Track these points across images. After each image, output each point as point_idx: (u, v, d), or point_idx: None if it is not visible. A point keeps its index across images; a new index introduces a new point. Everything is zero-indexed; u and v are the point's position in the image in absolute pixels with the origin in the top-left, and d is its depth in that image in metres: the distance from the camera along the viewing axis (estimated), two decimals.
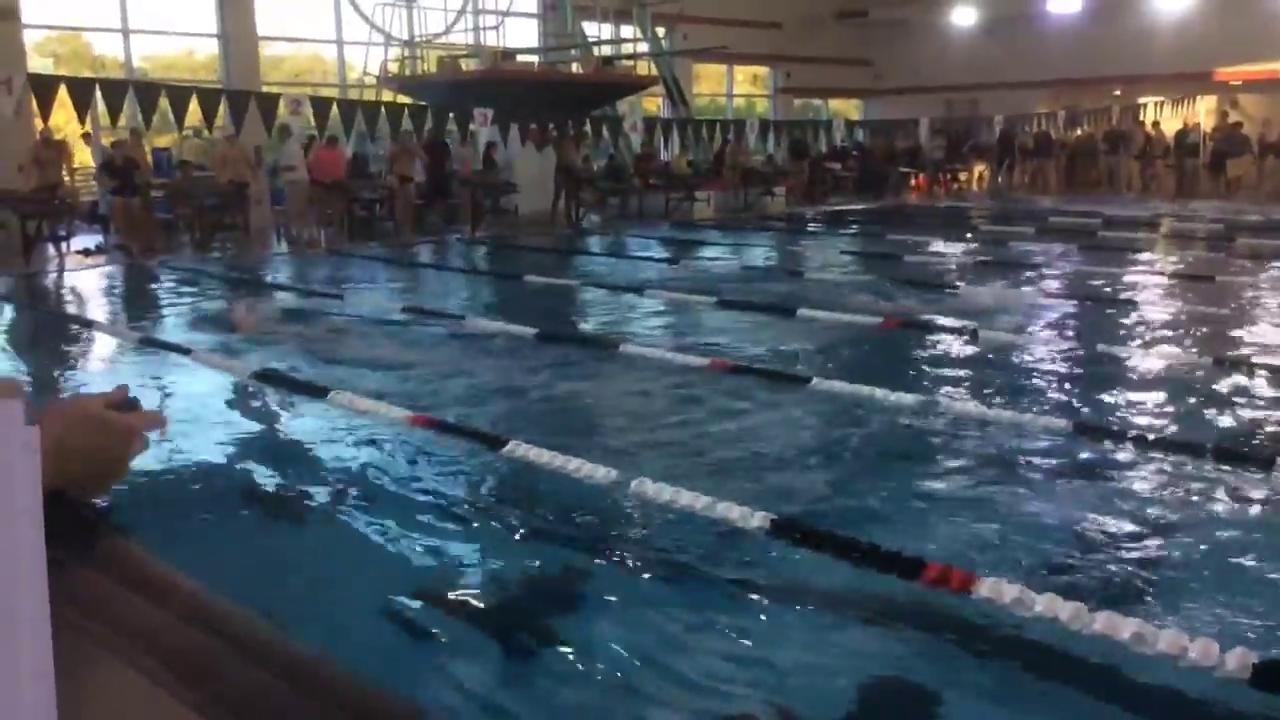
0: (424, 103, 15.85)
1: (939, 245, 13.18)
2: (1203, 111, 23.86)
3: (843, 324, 7.68)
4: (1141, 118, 23.50)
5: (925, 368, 6.55)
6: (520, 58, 18.94)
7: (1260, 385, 5.81)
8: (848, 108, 29.06)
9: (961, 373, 6.44)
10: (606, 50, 20.32)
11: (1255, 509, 4.04)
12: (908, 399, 5.33)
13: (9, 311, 8.96)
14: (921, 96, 25.94)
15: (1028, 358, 6.70)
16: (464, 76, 17.29)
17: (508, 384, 6.37)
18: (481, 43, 19.23)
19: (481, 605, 3.32)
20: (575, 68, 19.34)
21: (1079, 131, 23.89)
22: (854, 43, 27.02)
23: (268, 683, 0.94)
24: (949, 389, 5.93)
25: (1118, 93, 24.51)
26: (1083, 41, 23.97)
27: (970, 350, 6.92)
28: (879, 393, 5.43)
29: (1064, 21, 24.55)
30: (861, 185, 21.78)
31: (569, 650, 3.02)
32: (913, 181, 22.84)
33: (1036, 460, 4.64)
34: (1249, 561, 3.56)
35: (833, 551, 3.51)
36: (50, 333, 8.05)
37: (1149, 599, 3.30)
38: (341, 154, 14.86)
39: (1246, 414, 5.37)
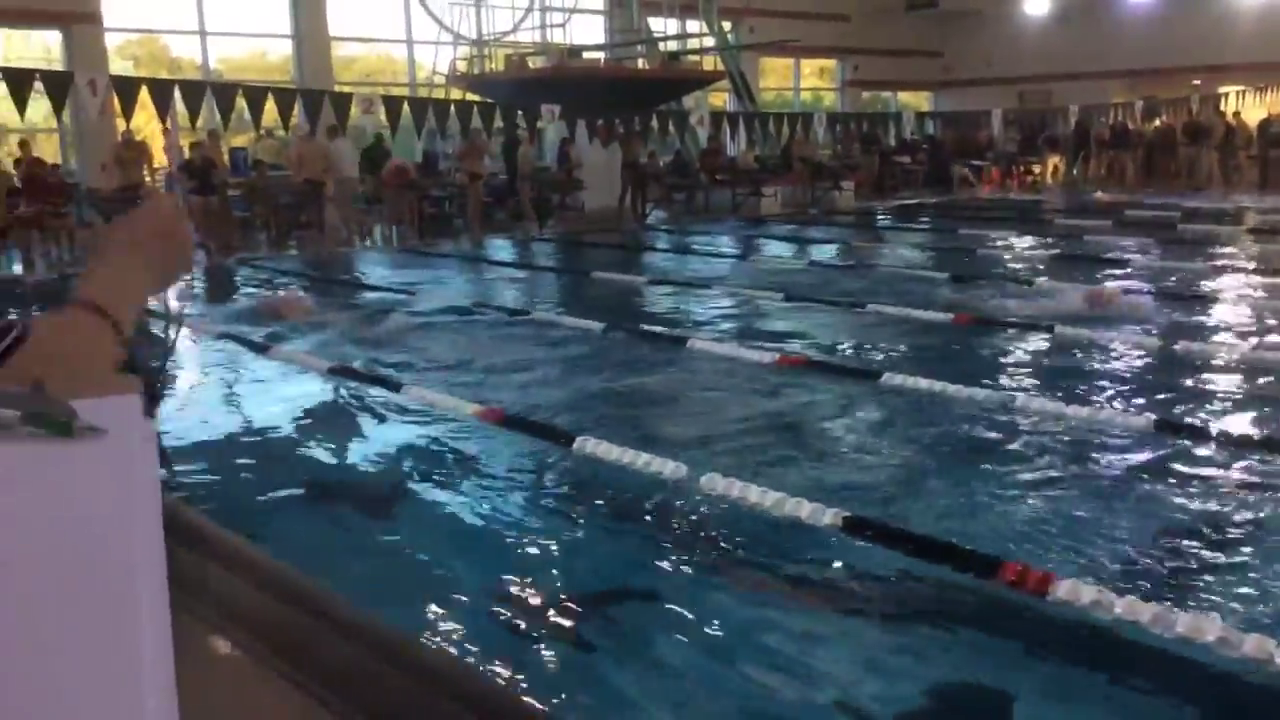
0: (491, 100, 15.98)
1: (1012, 240, 12.95)
2: None
3: (913, 320, 7.59)
4: (1222, 108, 22.81)
5: (999, 364, 6.45)
6: (586, 54, 19.00)
7: None
8: (917, 100, 28.67)
9: (1037, 369, 6.33)
10: (672, 46, 20.30)
11: None
12: (980, 395, 5.26)
13: None
14: (993, 88, 25.49)
15: (1105, 354, 6.55)
16: (531, 74, 17.40)
17: (575, 379, 6.40)
18: (548, 40, 19.34)
19: (547, 598, 3.34)
20: (641, 64, 19.35)
21: (1157, 123, 23.25)
22: (924, 34, 26.64)
23: (360, 658, 0.97)
24: (1023, 385, 5.83)
25: (1197, 82, 23.81)
26: (1161, 30, 23.35)
27: (1046, 346, 6.79)
28: (951, 388, 5.36)
29: (1141, 9, 23.94)
30: (931, 179, 21.47)
31: (636, 645, 3.03)
32: (984, 175, 22.46)
33: (1116, 458, 4.54)
34: None
35: (907, 549, 3.47)
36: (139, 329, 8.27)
37: (1232, 602, 3.21)
38: (410, 166, 15.05)
39: None
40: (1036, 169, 22.89)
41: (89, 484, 0.74)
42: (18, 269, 11.41)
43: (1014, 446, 4.74)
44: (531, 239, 14.51)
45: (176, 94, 12.43)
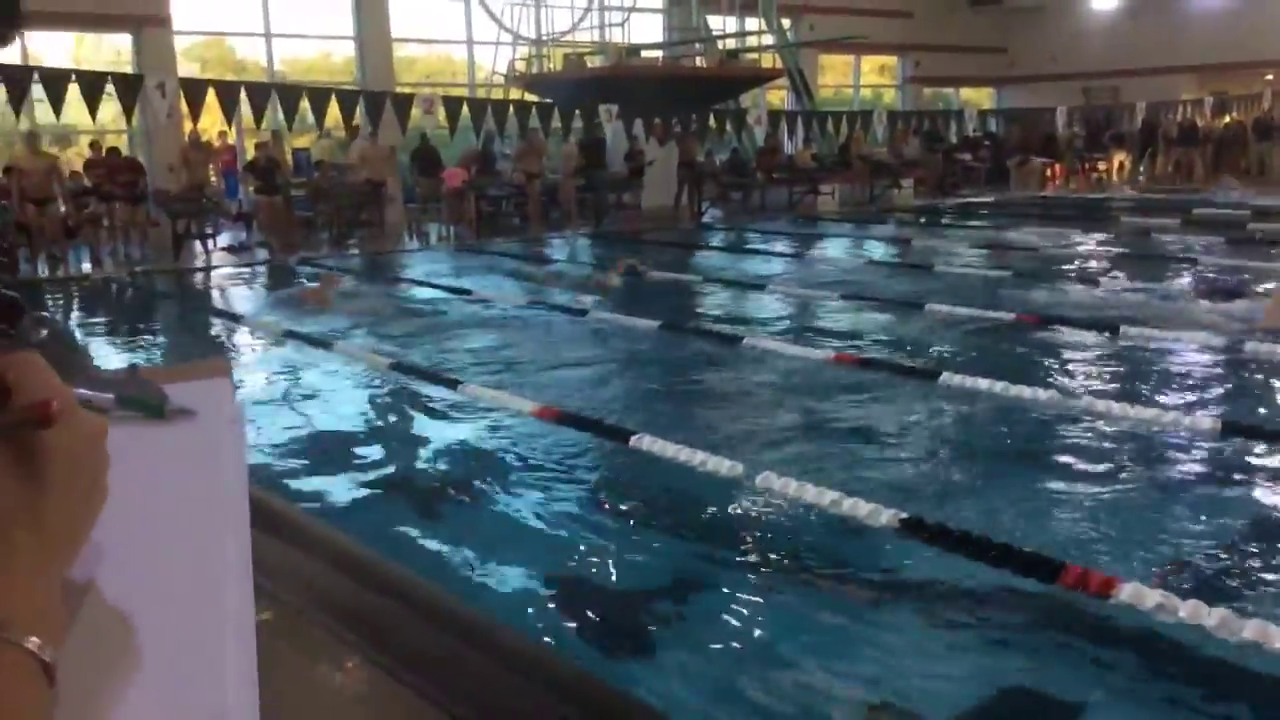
0: (549, 100, 16.07)
1: (1076, 238, 12.72)
2: None
3: (974, 319, 7.49)
4: None
5: (1062, 364, 6.34)
6: (645, 53, 19.01)
7: None
8: (979, 97, 28.26)
9: (1100, 370, 6.21)
10: (731, 43, 20.23)
11: None
12: (1043, 395, 5.18)
13: (159, 306, 9.45)
14: (1058, 84, 25.04)
15: (1171, 355, 6.41)
16: (589, 73, 17.46)
17: (632, 376, 6.42)
18: (607, 39, 19.38)
19: (601, 594, 3.36)
20: (699, 62, 19.31)
21: (1227, 119, 22.69)
22: (987, 29, 26.23)
23: (444, 641, 0.99)
24: (1086, 386, 5.73)
25: (1269, 77, 23.19)
26: (1232, 24, 22.77)
27: (1110, 347, 6.66)
28: (1013, 388, 5.28)
29: (1211, 3, 23.36)
30: (994, 176, 21.16)
31: (692, 643, 3.03)
32: (1048, 172, 22.07)
33: (1181, 461, 4.46)
34: None
35: (966, 552, 3.43)
36: (197, 326, 8.47)
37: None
38: (467, 171, 15.15)
39: None
40: (1102, 166, 22.45)
41: (179, 465, 0.77)
42: (86, 267, 11.71)
43: (1076, 448, 4.66)
44: (588, 237, 14.56)
45: (243, 95, 12.67)
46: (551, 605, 3.29)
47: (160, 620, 0.64)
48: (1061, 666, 2.90)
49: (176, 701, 0.60)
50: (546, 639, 3.02)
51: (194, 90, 12.40)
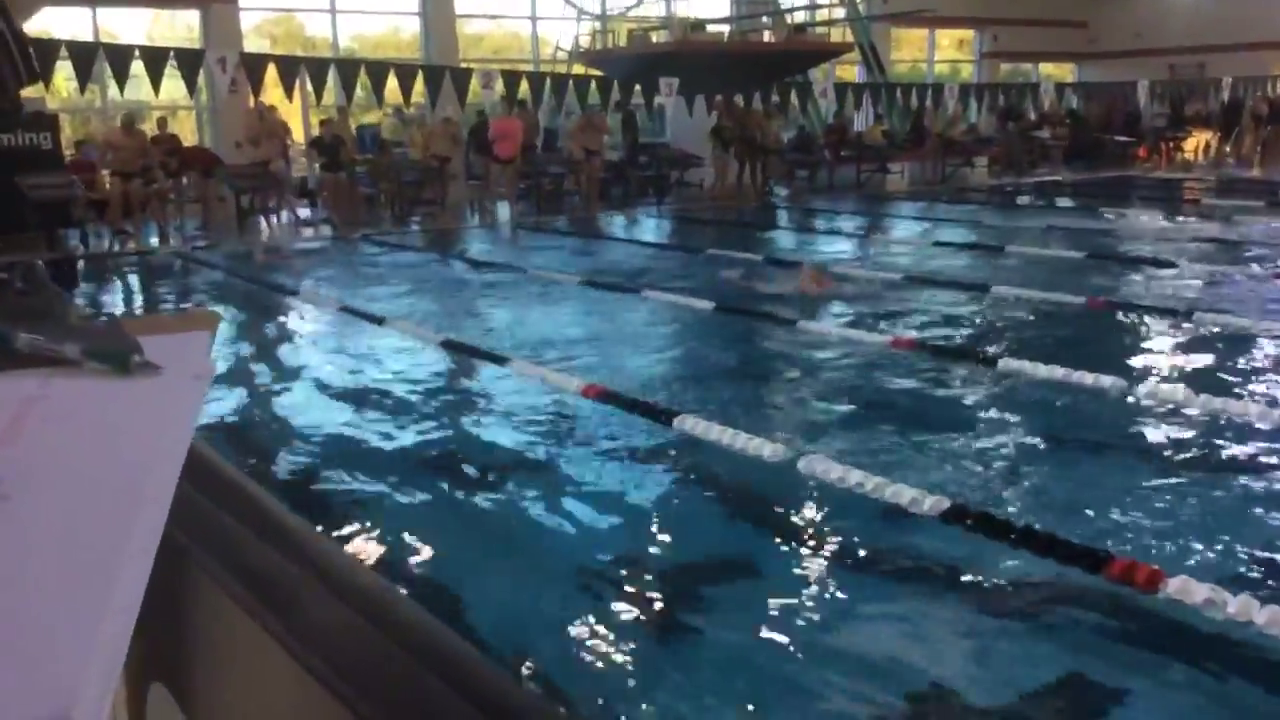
0: (612, 76, 15.97)
1: (1155, 219, 12.30)
2: None
3: (1042, 302, 7.25)
4: None
5: (1131, 351, 6.12)
6: (711, 28, 18.79)
7: None
8: (1061, 72, 27.48)
9: (1171, 357, 5.98)
10: (800, 17, 19.90)
11: None
12: (1106, 382, 4.98)
13: (223, 279, 9.59)
14: (1142, 60, 24.22)
15: (1247, 343, 6.13)
16: (653, 49, 17.31)
17: (683, 356, 6.34)
18: (672, 14, 19.21)
19: (644, 577, 3.31)
20: (767, 36, 19.03)
21: None
22: (1069, 3, 25.45)
23: (349, 617, 0.95)
24: (1154, 374, 5.52)
25: None
26: None
27: (1183, 334, 6.40)
28: (1075, 375, 5.10)
29: None
30: (1073, 154, 20.52)
31: (732, 627, 2.98)
32: (1134, 151, 21.37)
33: (1249, 455, 4.24)
34: None
35: (1011, 541, 3.32)
36: (259, 300, 8.57)
37: None
38: (518, 126, 14.62)
39: None
40: (1187, 145, 21.68)
41: (122, 424, 0.76)
42: (154, 241, 11.95)
43: (1139, 436, 4.49)
44: (648, 215, 14.46)
45: (304, 70, 12.78)
46: (583, 586, 3.24)
47: (58, 559, 0.63)
48: (1103, 659, 2.79)
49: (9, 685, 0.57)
50: (570, 622, 2.98)
51: (255, 65, 12.53)
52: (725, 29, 19.31)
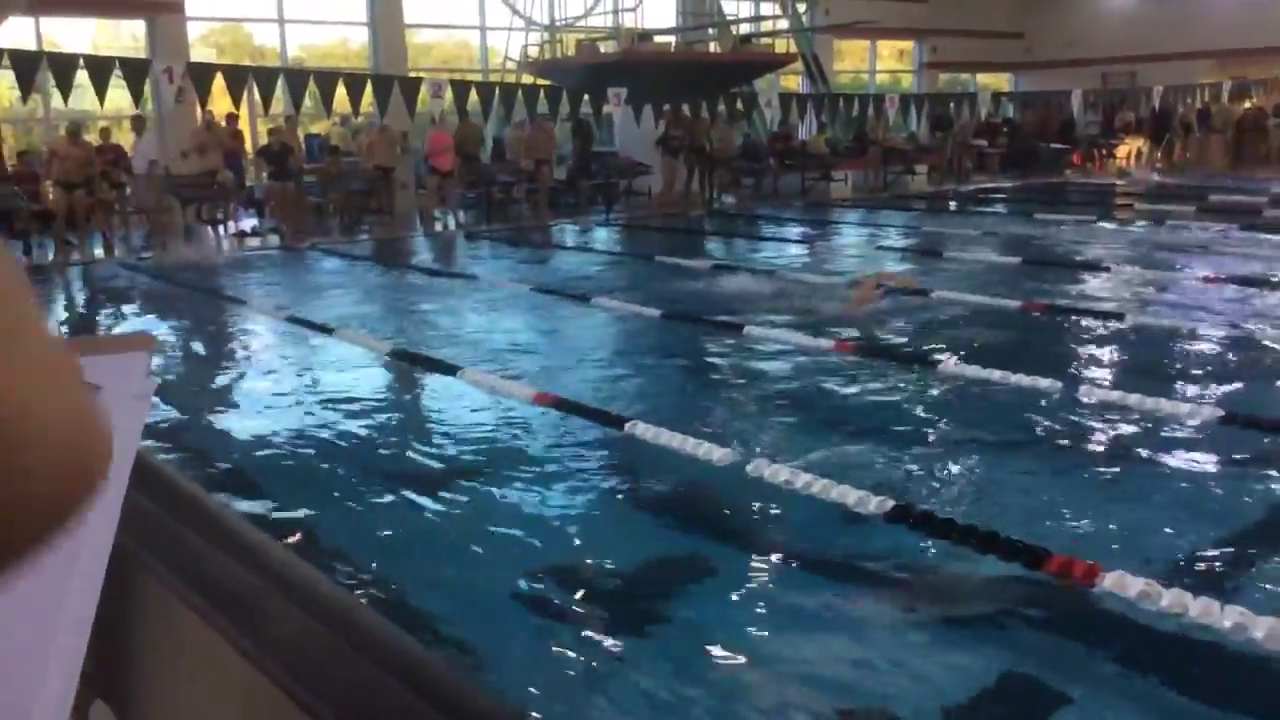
0: (561, 86, 16.03)
1: (1089, 225, 12.62)
2: None
3: (979, 306, 7.45)
4: None
5: (1066, 353, 6.30)
6: (658, 38, 18.93)
7: None
8: (997, 82, 28.02)
9: (1105, 358, 6.18)
10: (745, 28, 20.12)
11: None
12: (1043, 384, 5.15)
13: (169, 290, 9.49)
14: (1076, 69, 24.81)
15: (1178, 344, 6.35)
16: (601, 59, 17.40)
17: (632, 364, 6.42)
18: (620, 25, 19.30)
19: (596, 583, 3.36)
20: (713, 47, 19.22)
21: (1247, 104, 22.43)
22: (1005, 14, 26.00)
23: (310, 625, 0.97)
24: (1089, 375, 5.70)
25: None
26: (1250, 8, 22.48)
27: (1116, 335, 6.61)
28: (1013, 377, 5.26)
29: None
30: (1010, 162, 20.97)
31: (682, 630, 3.04)
32: (1068, 158, 21.87)
33: (1181, 451, 4.42)
34: None
35: (953, 539, 3.43)
36: (206, 311, 8.51)
37: None
38: (450, 139, 14.57)
39: None
40: (1120, 152, 22.24)
41: None
42: (99, 253, 11.78)
43: (1074, 436, 4.64)
44: (597, 225, 14.53)
45: (251, 80, 12.69)
46: (534, 594, 3.29)
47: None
48: (1044, 652, 2.90)
49: None
50: (519, 631, 3.03)
51: (201, 75, 12.43)
52: (672, 40, 19.46)
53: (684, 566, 3.50)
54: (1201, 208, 13.54)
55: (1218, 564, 3.36)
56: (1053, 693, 2.71)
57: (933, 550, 3.42)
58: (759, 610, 3.15)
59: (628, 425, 4.63)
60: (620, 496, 4.20)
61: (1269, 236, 10.99)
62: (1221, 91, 22.19)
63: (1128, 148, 22.01)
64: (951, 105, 21.37)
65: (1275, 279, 8.43)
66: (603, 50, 17.91)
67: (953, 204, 16.26)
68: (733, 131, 17.57)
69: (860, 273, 8.66)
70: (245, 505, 4.03)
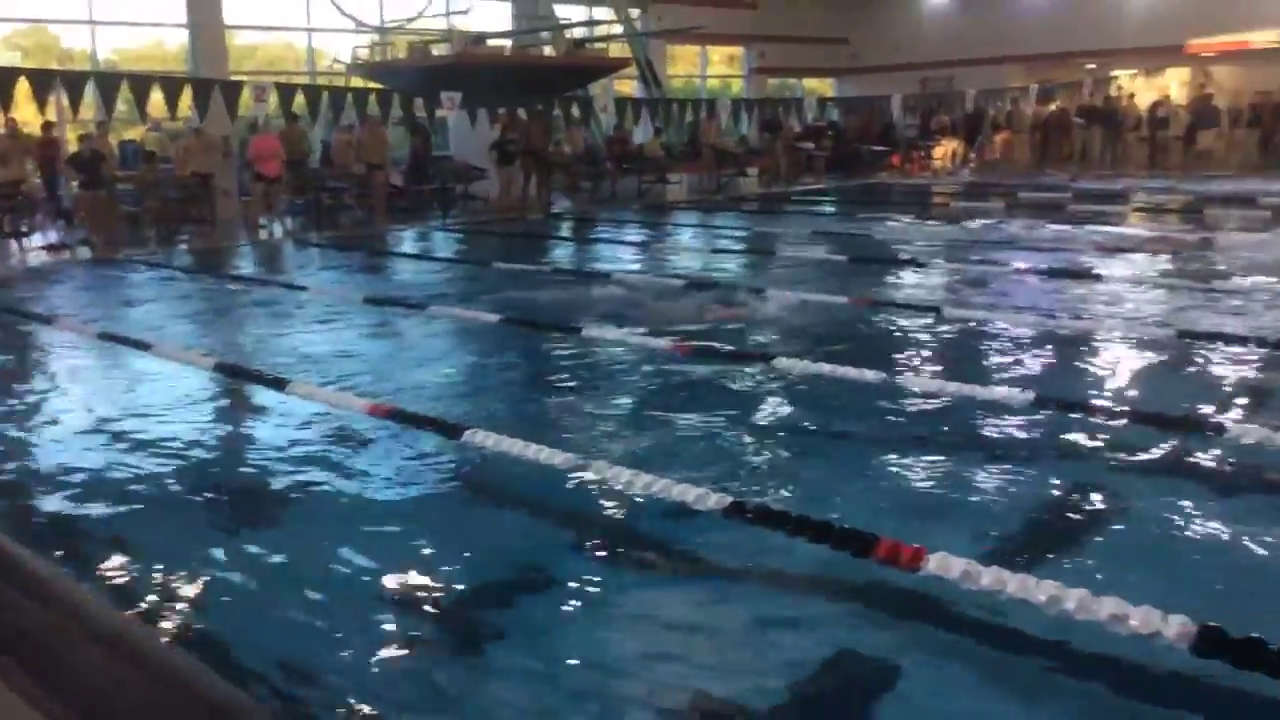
0: (393, 89, 15.71)
1: (909, 223, 13.19)
2: (1174, 84, 23.91)
3: (810, 303, 7.67)
4: (1115, 91, 23.56)
5: (891, 345, 6.54)
6: (491, 42, 18.79)
7: (1220, 357, 5.83)
8: (822, 86, 28.99)
9: (926, 349, 6.44)
10: (578, 32, 20.19)
11: (1208, 478, 4.05)
12: (870, 375, 5.32)
13: None
14: (897, 74, 25.91)
15: (993, 333, 6.70)
16: (433, 62, 17.15)
17: (471, 371, 6.35)
18: (453, 27, 19.06)
19: (437, 595, 3.30)
20: (547, 51, 19.21)
21: (1052, 106, 23.89)
22: (831, 21, 26.93)
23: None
24: (913, 365, 5.94)
25: (1091, 66, 24.51)
26: (1055, 16, 23.99)
27: (936, 327, 6.91)
28: (841, 370, 5.42)
29: None
30: (834, 164, 21.75)
31: (528, 638, 3.00)
32: (889, 160, 22.82)
33: (999, 434, 4.65)
34: (1198, 530, 3.57)
35: (788, 530, 3.50)
36: (8, 330, 7.95)
37: (1101, 569, 3.31)
38: (278, 144, 14.04)
39: (1206, 385, 5.38)
40: (936, 153, 23.34)
41: None
42: None
43: (901, 425, 4.82)
44: (433, 230, 14.32)
45: (59, 85, 11.97)
46: (378, 608, 3.20)
47: None
48: (878, 634, 3.00)
49: None
50: (364, 646, 2.95)
51: (4, 79, 11.64)
52: (506, 43, 19.34)
53: (526, 573, 3.47)
54: (1011, 204, 14.34)
55: (1033, 541, 3.54)
56: (887, 667, 2.81)
57: (770, 542, 3.48)
58: (603, 612, 3.15)
59: (466, 433, 4.55)
60: (460, 506, 4.13)
61: (1072, 229, 11.73)
62: (1029, 94, 23.56)
63: (944, 149, 23.10)
64: (780, 109, 22.02)
65: (1079, 269, 8.99)
66: (435, 53, 17.66)
67: (783, 205, 16.72)
68: (578, 135, 17.64)
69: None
70: (46, 539, 3.78)
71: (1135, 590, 2.75)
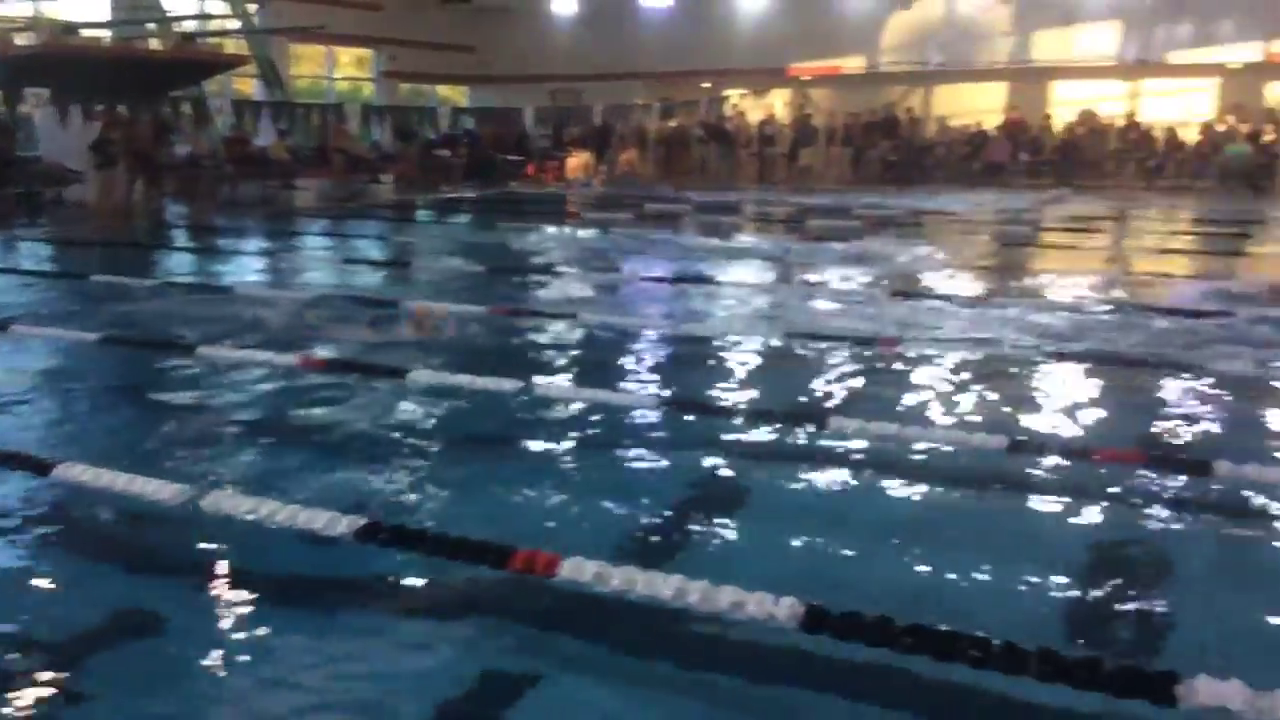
0: None
1: (546, 232, 13.46)
2: (779, 104, 26.21)
3: (450, 313, 7.57)
4: (731, 111, 25.47)
5: (528, 353, 6.60)
6: (86, 32, 17.05)
7: (820, 353, 6.39)
8: (456, 94, 29.00)
9: (562, 357, 6.56)
10: (189, 25, 18.83)
11: (815, 467, 4.40)
12: (506, 385, 5.32)
13: None
14: (528, 85, 26.42)
15: (624, 340, 6.94)
16: (16, 52, 15.29)
17: (64, 398, 5.67)
18: (39, 14, 17.13)
19: (28, 654, 2.88)
20: (153, 44, 17.73)
21: (674, 122, 25.40)
22: (459, 28, 26.95)
23: None
24: (550, 372, 6.01)
25: (707, 85, 26.31)
26: (674, 36, 25.53)
27: (571, 334, 7.06)
28: (480, 380, 5.38)
29: (657, 16, 25.99)
30: (470, 173, 21.82)
31: (140, 692, 2.70)
32: (524, 170, 23.23)
33: (630, 436, 4.79)
34: (806, 516, 3.88)
35: (424, 549, 3.40)
36: None
37: (724, 559, 3.50)
38: None
39: (812, 380, 5.87)
40: (570, 163, 24.08)
41: None
42: None
43: (538, 432, 4.84)
44: (15, 239, 12.73)
45: None
46: None
47: None
48: (518, 645, 2.97)
49: None
50: None
51: None
52: (105, 34, 17.64)
53: (138, 619, 3.12)
54: (639, 215, 15.05)
55: (664, 539, 3.68)
56: (526, 676, 2.79)
57: (407, 562, 3.37)
58: (223, 655, 2.90)
59: (58, 468, 4.04)
60: (54, 552, 3.65)
61: (695, 239, 12.49)
62: (652, 110, 24.92)
63: (576, 160, 23.89)
64: (415, 116, 21.78)
65: (700, 276, 9.57)
66: (18, 43, 15.78)
67: (419, 213, 16.50)
68: (200, 137, 16.35)
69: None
70: None
71: (755, 577, 2.92)
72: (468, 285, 9.02)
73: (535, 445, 4.69)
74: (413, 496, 4.07)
